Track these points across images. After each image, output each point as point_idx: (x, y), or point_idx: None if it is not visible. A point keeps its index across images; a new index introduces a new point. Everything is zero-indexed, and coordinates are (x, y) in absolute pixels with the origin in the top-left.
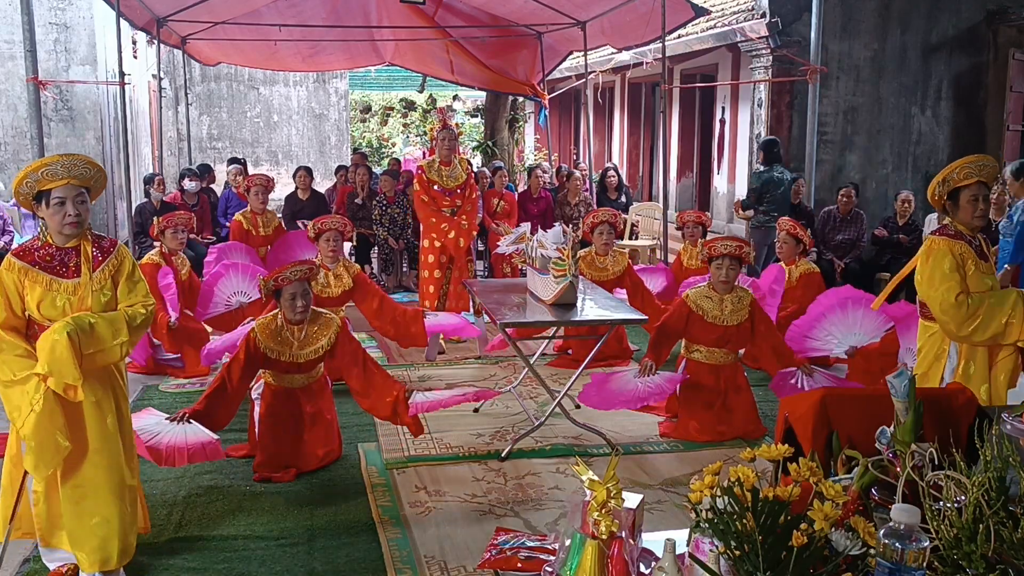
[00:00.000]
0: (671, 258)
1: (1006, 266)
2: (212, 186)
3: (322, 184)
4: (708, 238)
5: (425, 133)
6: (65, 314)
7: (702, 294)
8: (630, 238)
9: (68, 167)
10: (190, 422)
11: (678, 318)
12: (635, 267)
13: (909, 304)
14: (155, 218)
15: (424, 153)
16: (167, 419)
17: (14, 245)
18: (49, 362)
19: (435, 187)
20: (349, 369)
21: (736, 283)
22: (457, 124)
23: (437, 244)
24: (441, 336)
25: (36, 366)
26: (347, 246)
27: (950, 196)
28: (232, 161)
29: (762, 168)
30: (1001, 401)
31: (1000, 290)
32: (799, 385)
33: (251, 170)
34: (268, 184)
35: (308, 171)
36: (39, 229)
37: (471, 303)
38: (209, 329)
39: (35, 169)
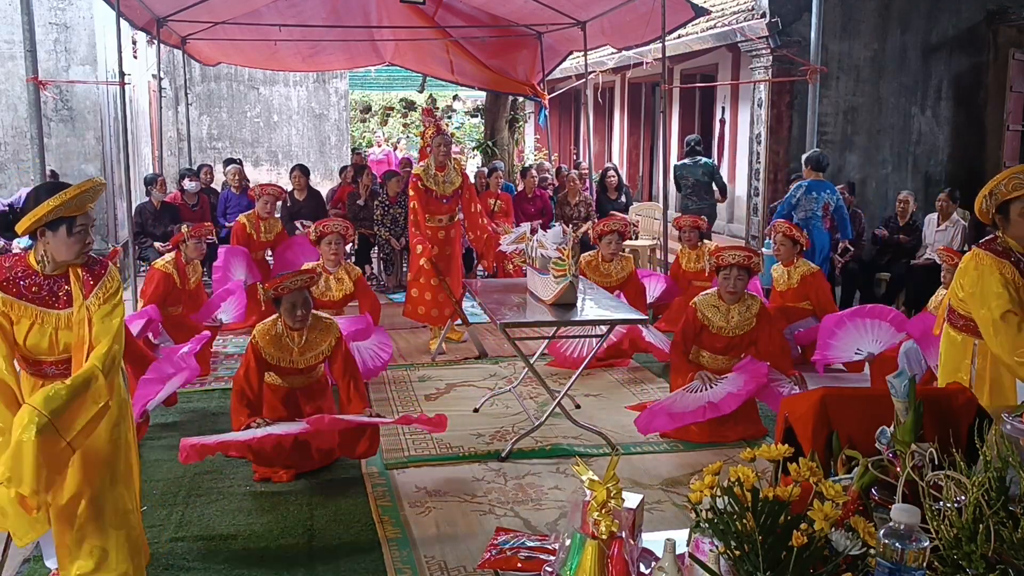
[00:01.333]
0: (671, 258)
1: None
2: (211, 185)
3: (322, 184)
4: (714, 245)
5: (418, 135)
6: (52, 345)
7: (709, 303)
8: (630, 238)
9: (94, 193)
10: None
11: (691, 326)
12: (636, 269)
13: (928, 317)
14: (184, 226)
15: (409, 158)
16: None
17: (14, 246)
18: (10, 466)
19: (433, 195)
20: (340, 377)
21: (744, 292)
22: (458, 124)
23: (434, 252)
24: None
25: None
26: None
27: (999, 210)
28: (228, 162)
29: (683, 161)
30: None
31: None
32: (782, 390)
33: (249, 170)
34: (280, 195)
35: (303, 171)
36: (36, 249)
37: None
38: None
39: (70, 198)
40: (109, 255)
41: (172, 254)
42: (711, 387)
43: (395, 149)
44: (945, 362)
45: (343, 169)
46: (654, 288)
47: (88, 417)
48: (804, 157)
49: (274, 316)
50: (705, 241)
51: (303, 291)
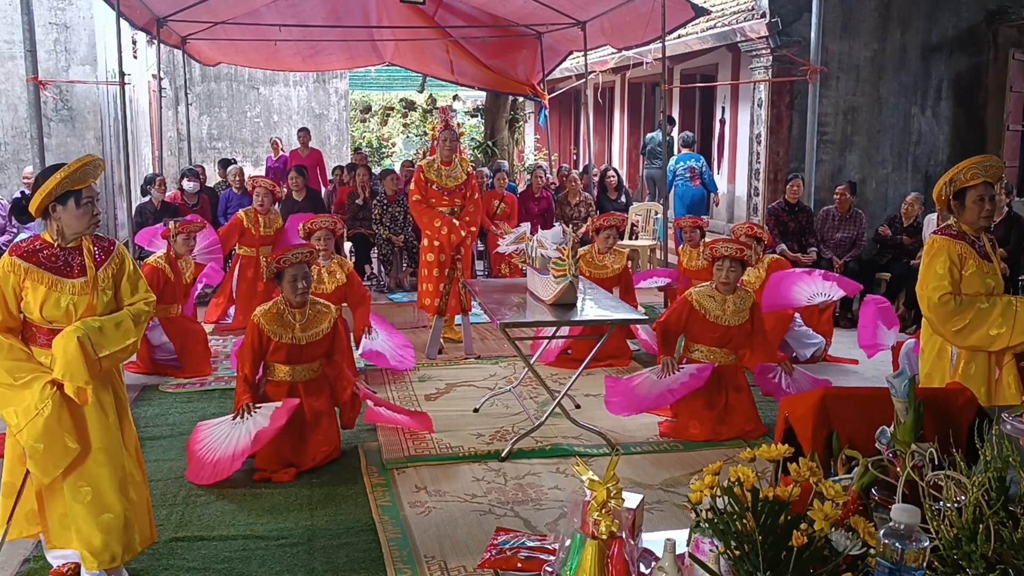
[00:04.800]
0: (671, 258)
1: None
2: (205, 185)
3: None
4: (710, 239)
5: (426, 133)
6: (69, 315)
7: (705, 293)
8: (630, 238)
9: (94, 168)
10: (256, 409)
11: (679, 315)
12: (639, 271)
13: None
14: (172, 222)
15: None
16: (232, 419)
17: (30, 230)
18: (63, 365)
19: (434, 187)
20: (333, 358)
21: (737, 284)
22: (459, 124)
23: (436, 243)
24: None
25: (41, 371)
26: (347, 245)
27: (956, 196)
28: (224, 162)
29: (652, 134)
30: (1004, 402)
31: (997, 296)
32: (777, 380)
33: (249, 170)
34: (273, 190)
35: (299, 171)
36: (46, 229)
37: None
38: (209, 328)
39: (74, 171)
40: None
41: (163, 250)
42: (672, 373)
43: (276, 151)
44: (928, 353)
45: (336, 169)
46: (660, 280)
47: (117, 347)
48: (680, 136)
49: (275, 299)
50: (707, 240)
51: (303, 265)
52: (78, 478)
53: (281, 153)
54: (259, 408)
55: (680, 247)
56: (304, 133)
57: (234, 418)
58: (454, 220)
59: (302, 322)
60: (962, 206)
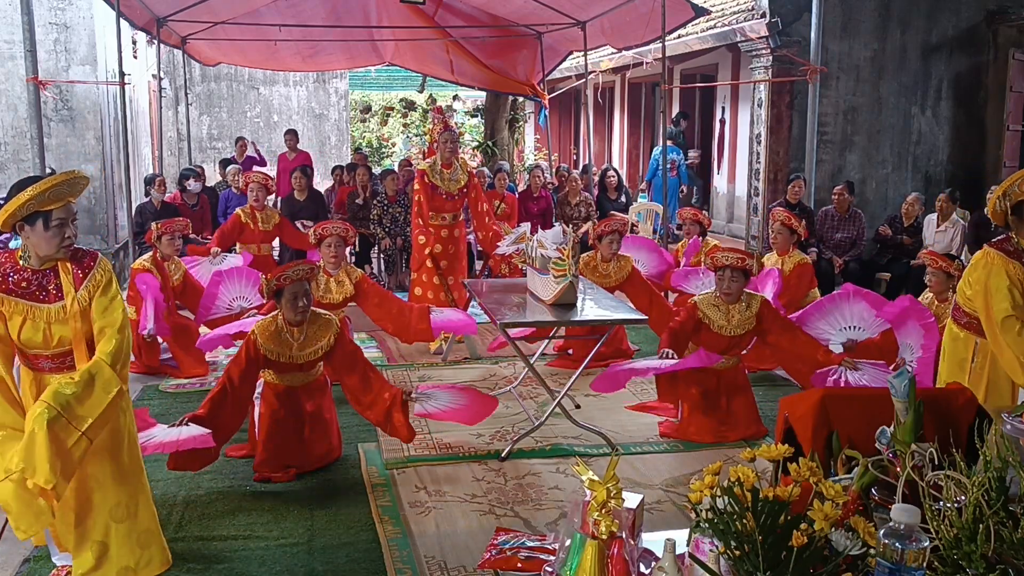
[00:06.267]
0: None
1: None
2: (207, 185)
3: (321, 185)
4: (711, 246)
5: (425, 133)
6: (46, 339)
7: (709, 302)
8: None
9: (71, 186)
10: (188, 424)
11: (686, 324)
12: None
13: (905, 300)
14: (153, 223)
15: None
16: (168, 427)
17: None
18: (24, 457)
19: (440, 192)
20: (347, 372)
21: (743, 292)
22: (457, 124)
23: (437, 249)
24: (454, 336)
25: (16, 430)
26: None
27: (1013, 211)
28: (225, 162)
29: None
30: None
31: None
32: (842, 382)
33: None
34: (266, 183)
35: (304, 172)
36: (22, 246)
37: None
38: (205, 330)
39: (42, 191)
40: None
41: (150, 252)
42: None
43: (241, 152)
44: (948, 358)
45: (335, 169)
46: (651, 264)
47: (101, 407)
48: (672, 131)
49: (272, 313)
50: (708, 239)
51: (304, 282)
52: (71, 500)
53: (248, 155)
54: (189, 426)
55: (680, 244)
56: (291, 136)
57: (171, 427)
58: (455, 231)
59: (300, 340)
60: (1020, 220)
